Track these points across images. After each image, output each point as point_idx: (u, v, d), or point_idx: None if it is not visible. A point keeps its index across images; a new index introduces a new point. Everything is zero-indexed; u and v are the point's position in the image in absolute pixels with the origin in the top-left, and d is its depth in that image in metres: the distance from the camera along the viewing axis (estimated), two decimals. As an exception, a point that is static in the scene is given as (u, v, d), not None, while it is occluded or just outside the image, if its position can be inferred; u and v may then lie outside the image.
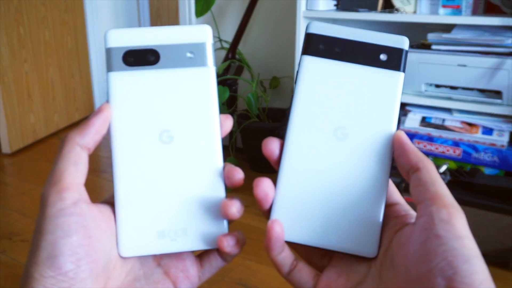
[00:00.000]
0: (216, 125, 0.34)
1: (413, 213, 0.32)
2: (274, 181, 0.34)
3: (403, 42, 0.34)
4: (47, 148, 2.16)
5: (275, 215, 0.33)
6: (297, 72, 0.34)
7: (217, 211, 0.33)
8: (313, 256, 0.35)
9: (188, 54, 0.34)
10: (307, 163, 0.33)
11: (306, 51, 0.34)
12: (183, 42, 0.34)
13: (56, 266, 0.28)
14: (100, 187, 1.69)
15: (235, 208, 0.32)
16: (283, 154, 0.33)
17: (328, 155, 0.33)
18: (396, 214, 0.33)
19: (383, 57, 0.34)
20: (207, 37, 0.34)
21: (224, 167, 0.34)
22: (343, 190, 0.33)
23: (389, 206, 0.33)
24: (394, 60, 0.34)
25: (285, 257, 0.33)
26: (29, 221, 1.52)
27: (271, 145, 0.34)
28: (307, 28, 0.35)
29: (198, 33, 0.34)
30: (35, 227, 0.30)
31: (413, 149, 0.32)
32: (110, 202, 0.33)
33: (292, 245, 0.34)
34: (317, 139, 0.33)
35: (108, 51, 0.34)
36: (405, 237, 0.30)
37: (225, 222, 0.33)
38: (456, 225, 0.27)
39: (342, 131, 0.33)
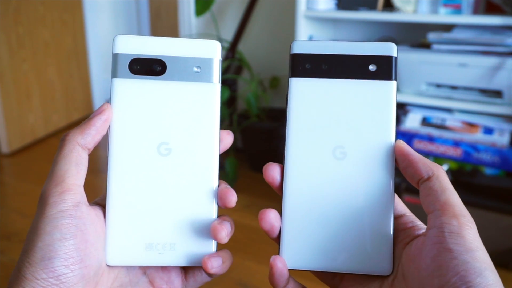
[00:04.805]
0: (215, 144, 0.33)
1: (420, 223, 0.32)
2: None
3: (391, 49, 0.33)
4: (46, 148, 2.16)
5: (284, 245, 0.33)
6: (287, 95, 0.34)
7: (206, 229, 0.33)
8: (325, 275, 0.35)
9: (195, 69, 0.33)
10: (310, 187, 0.33)
11: (293, 73, 0.34)
12: (191, 55, 0.33)
13: (49, 269, 0.28)
14: (99, 187, 1.69)
15: (224, 233, 0.32)
16: (285, 181, 0.33)
17: (330, 176, 0.33)
18: (403, 227, 0.32)
19: (372, 67, 0.33)
20: (215, 53, 0.34)
21: (218, 186, 0.33)
22: (350, 210, 0.32)
23: (395, 219, 0.33)
24: (384, 69, 0.33)
25: None
26: (28, 222, 1.51)
27: (272, 172, 0.33)
28: (291, 48, 0.34)
29: (207, 48, 0.34)
30: (31, 226, 0.29)
31: (420, 158, 0.31)
32: (102, 204, 0.33)
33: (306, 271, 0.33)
34: (317, 162, 0.33)
35: (115, 57, 0.33)
36: (415, 250, 0.29)
37: (213, 242, 0.33)
38: (467, 237, 0.27)
39: (340, 150, 0.33)
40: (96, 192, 0.31)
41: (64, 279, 0.28)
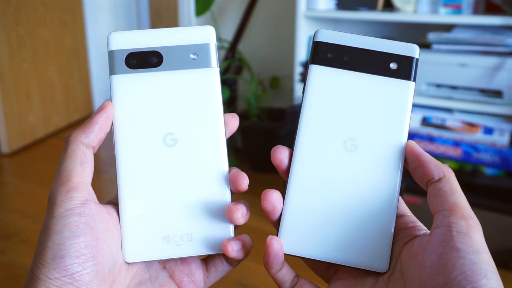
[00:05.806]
0: (221, 128, 0.33)
1: (420, 224, 0.32)
2: (277, 187, 0.33)
3: (413, 50, 0.33)
4: (46, 148, 2.16)
5: (283, 229, 0.32)
6: (305, 81, 0.34)
7: (222, 215, 0.32)
8: (319, 266, 0.35)
9: (192, 56, 0.33)
10: (316, 175, 0.33)
11: (314, 60, 0.34)
12: (186, 43, 0.33)
13: (62, 268, 0.27)
14: (100, 187, 1.69)
15: (239, 213, 0.31)
16: (292, 165, 0.33)
17: (338, 167, 0.33)
18: (404, 226, 0.32)
19: (393, 66, 0.33)
20: (210, 38, 0.34)
21: (229, 171, 0.33)
22: (353, 203, 0.32)
23: (396, 218, 0.33)
24: (404, 69, 0.33)
25: (285, 274, 0.32)
26: (28, 221, 1.51)
27: (280, 155, 0.33)
28: (314, 36, 0.34)
29: (202, 34, 0.34)
30: (42, 227, 0.29)
31: (431, 160, 0.31)
32: (116, 203, 0.33)
33: (300, 258, 0.33)
34: (326, 151, 0.33)
35: (111, 54, 0.33)
36: (419, 248, 0.29)
37: (231, 227, 0.33)
38: (474, 239, 0.27)
39: (351, 143, 0.33)
40: (97, 192, 0.31)
41: (78, 277, 0.28)
